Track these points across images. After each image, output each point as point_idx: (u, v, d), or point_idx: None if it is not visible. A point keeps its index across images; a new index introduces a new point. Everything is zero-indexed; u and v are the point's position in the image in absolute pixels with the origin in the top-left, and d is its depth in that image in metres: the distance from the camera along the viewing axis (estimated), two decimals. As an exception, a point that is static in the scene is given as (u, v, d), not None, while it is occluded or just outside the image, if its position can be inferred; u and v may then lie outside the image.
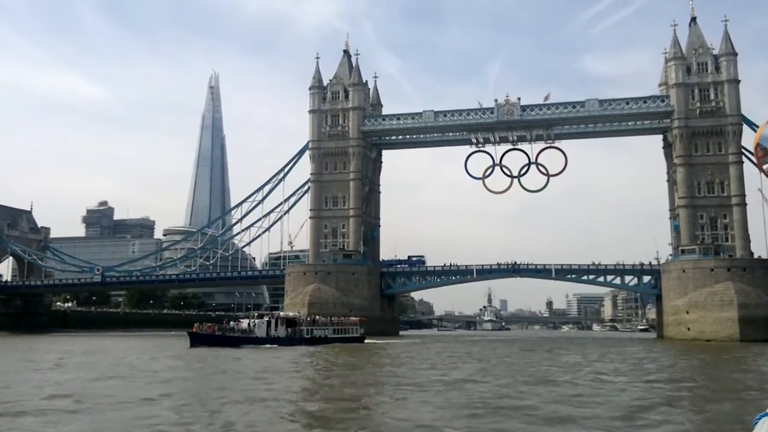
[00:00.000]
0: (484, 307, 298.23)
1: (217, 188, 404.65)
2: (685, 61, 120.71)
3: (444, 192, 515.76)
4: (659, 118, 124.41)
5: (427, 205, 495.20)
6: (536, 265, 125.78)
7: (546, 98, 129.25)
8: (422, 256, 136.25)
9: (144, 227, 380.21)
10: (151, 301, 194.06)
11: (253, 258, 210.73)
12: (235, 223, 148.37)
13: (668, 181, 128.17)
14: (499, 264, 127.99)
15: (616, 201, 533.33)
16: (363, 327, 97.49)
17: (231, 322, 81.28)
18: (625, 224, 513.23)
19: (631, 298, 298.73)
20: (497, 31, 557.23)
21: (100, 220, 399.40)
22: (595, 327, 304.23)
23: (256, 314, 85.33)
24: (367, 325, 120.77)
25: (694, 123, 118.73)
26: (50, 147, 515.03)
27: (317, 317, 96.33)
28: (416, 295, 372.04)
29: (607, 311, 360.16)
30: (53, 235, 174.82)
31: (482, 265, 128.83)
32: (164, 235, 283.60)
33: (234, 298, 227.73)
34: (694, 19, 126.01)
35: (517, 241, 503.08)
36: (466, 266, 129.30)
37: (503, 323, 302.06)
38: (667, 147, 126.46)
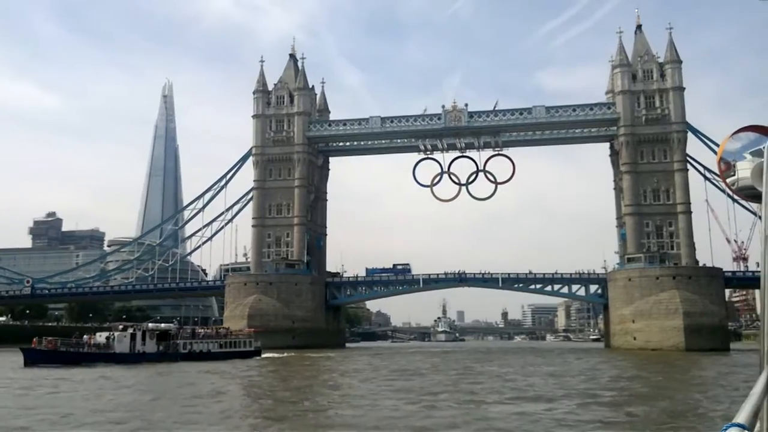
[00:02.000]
0: (439, 318, 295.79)
1: (169, 199, 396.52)
2: (631, 68, 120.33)
3: (401, 204, 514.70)
4: (606, 126, 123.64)
5: (383, 216, 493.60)
6: (483, 274, 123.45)
7: (494, 106, 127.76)
8: (407, 264, 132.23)
9: (93, 239, 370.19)
10: (90, 315, 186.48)
11: (204, 270, 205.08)
12: (175, 230, 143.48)
13: (615, 189, 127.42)
14: (446, 273, 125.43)
15: (571, 212, 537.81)
16: (259, 339, 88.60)
17: (84, 336, 71.26)
18: (581, 234, 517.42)
19: (584, 308, 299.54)
20: (456, 47, 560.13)
21: (47, 231, 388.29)
22: (549, 337, 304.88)
23: (120, 326, 75.90)
24: (311, 337, 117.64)
25: (639, 130, 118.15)
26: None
27: (197, 329, 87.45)
28: (373, 307, 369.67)
29: (561, 321, 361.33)
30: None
31: (429, 275, 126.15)
32: (108, 246, 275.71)
33: (181, 311, 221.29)
34: (639, 26, 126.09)
35: (475, 253, 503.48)
36: (413, 276, 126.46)
37: (457, 334, 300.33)
38: (614, 155, 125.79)
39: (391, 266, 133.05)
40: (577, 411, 28.99)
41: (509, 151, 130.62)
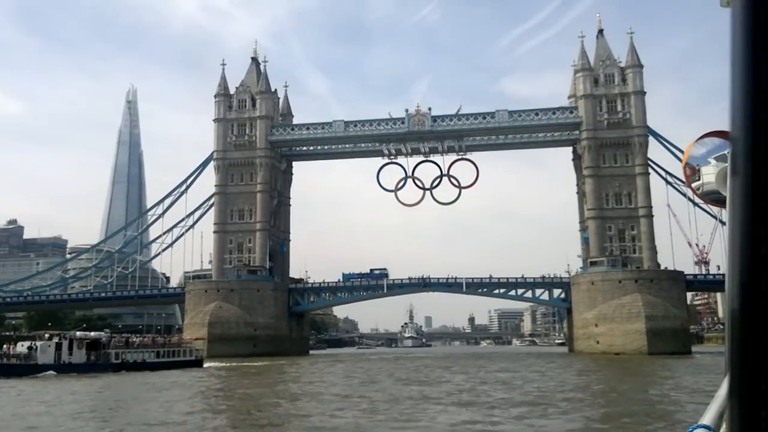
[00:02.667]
0: (406, 324, 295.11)
1: (134, 206, 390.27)
2: (593, 72, 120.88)
3: (368, 210, 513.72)
4: (568, 130, 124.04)
5: (349, 222, 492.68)
6: (447, 279, 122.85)
7: (458, 110, 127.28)
8: (385, 269, 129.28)
9: (56, 246, 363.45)
10: (50, 324, 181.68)
11: (167, 277, 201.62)
12: (135, 236, 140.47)
13: (578, 193, 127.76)
14: (410, 278, 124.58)
15: (537, 217, 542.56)
16: (203, 347, 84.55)
17: (4, 346, 66.49)
18: (547, 239, 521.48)
19: (549, 313, 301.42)
20: (423, 53, 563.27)
21: (8, 239, 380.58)
22: (515, 342, 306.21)
23: (47, 335, 69.69)
24: (274, 345, 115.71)
25: (601, 134, 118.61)
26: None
27: (131, 337, 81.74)
28: (341, 314, 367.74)
29: (527, 326, 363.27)
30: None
31: (393, 280, 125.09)
32: (69, 253, 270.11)
33: (144, 319, 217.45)
34: (601, 31, 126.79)
35: (442, 258, 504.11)
36: (377, 281, 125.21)
37: (424, 339, 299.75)
38: (577, 159, 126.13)
39: (368, 271, 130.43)
40: (517, 419, 28.07)
41: (473, 156, 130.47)
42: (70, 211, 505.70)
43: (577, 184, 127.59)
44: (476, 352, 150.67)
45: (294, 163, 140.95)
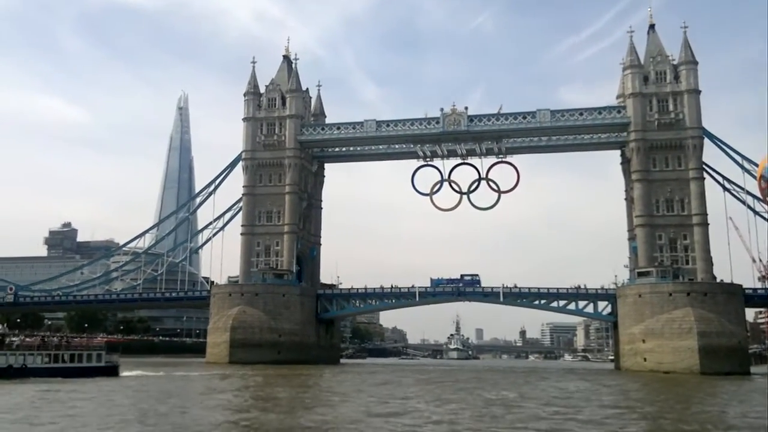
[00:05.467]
0: (452, 335, 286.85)
1: (183, 211, 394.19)
2: (643, 69, 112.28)
3: (411, 216, 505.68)
4: (616, 131, 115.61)
5: (392, 227, 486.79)
6: (483, 288, 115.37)
7: (498, 110, 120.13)
8: (477, 275, 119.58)
9: (108, 249, 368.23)
10: (86, 325, 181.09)
11: (210, 281, 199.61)
12: (162, 239, 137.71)
13: (626, 199, 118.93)
14: (443, 287, 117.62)
15: (588, 225, 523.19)
16: (116, 352, 68.61)
17: None
18: (598, 249, 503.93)
19: (603, 328, 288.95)
20: (477, 62, 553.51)
21: (62, 241, 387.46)
22: (567, 356, 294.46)
23: None
24: (299, 352, 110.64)
25: (652, 136, 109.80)
26: (23, 168, 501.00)
27: (10, 337, 67.94)
28: (389, 323, 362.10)
29: (580, 341, 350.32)
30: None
31: (426, 288, 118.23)
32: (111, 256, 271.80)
33: (184, 322, 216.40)
34: (652, 26, 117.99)
35: (486, 267, 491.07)
36: (408, 288, 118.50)
37: (470, 352, 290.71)
38: (625, 162, 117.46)
39: (459, 276, 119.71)
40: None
41: (513, 159, 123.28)
42: (124, 215, 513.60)
43: (626, 190, 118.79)
44: (521, 367, 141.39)
45: (327, 166, 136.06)
